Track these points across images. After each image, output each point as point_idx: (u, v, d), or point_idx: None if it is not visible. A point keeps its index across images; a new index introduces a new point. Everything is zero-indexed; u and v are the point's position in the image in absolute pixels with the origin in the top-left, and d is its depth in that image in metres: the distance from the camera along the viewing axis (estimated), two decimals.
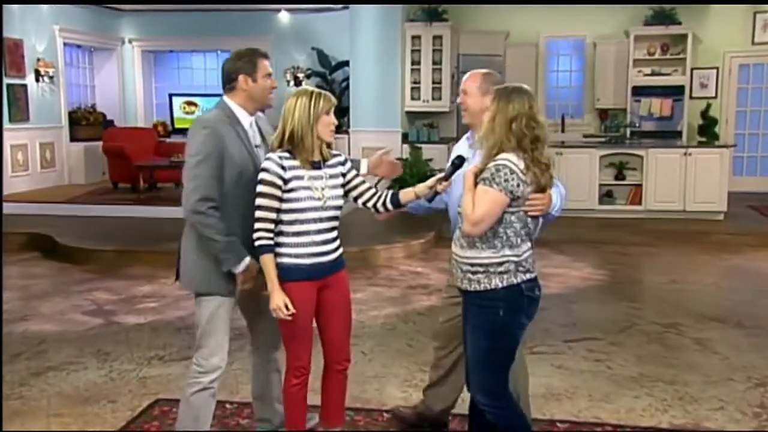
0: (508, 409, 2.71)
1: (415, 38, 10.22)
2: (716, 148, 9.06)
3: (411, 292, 5.93)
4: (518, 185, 2.51)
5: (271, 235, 2.70)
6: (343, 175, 2.85)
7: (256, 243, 2.70)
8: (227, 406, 3.59)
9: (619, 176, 9.05)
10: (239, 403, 3.67)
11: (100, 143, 10.94)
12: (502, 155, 2.55)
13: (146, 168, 10.11)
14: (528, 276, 2.61)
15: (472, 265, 2.60)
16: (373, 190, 2.91)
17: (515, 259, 2.58)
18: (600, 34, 10.99)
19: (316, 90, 2.76)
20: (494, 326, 2.61)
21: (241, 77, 2.83)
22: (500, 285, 2.57)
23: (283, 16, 12.23)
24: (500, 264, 2.57)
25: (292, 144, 2.71)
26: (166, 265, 6.81)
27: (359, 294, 5.63)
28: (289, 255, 2.72)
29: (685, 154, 8.82)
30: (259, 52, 2.89)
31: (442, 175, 2.78)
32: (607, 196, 9.07)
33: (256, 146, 2.91)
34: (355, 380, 3.70)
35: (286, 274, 2.72)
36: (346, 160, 2.89)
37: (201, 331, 2.87)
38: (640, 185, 8.91)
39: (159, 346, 4.63)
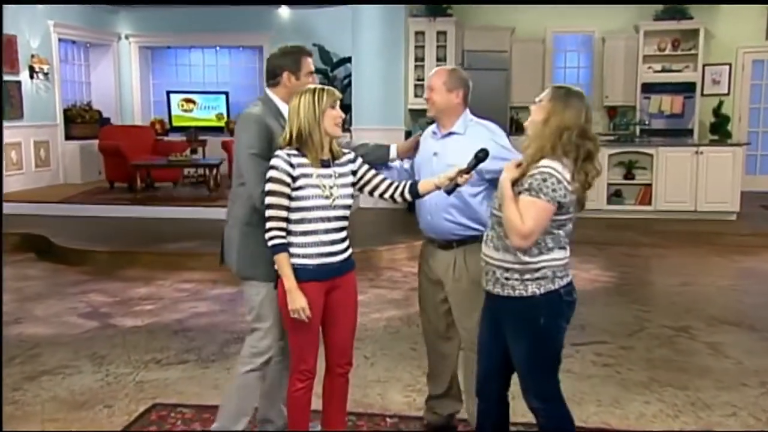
0: (561, 410, 2.74)
1: (419, 34, 10.23)
2: (729, 146, 9.04)
3: (414, 294, 5.80)
4: (564, 195, 2.50)
5: (284, 233, 2.72)
6: (354, 173, 2.87)
7: (270, 243, 2.71)
8: None
9: (629, 175, 9.04)
10: None
11: (96, 142, 10.98)
12: (545, 162, 2.51)
13: (143, 167, 10.14)
14: (565, 280, 2.62)
15: (507, 269, 2.59)
16: (388, 181, 2.95)
17: (553, 264, 2.58)
18: (609, 29, 10.97)
19: (319, 86, 2.79)
20: (537, 333, 2.61)
21: (285, 74, 3.00)
22: (538, 292, 2.56)
23: (283, 12, 12.25)
24: (537, 270, 2.56)
25: (301, 142, 2.73)
26: (164, 266, 6.90)
27: (361, 296, 5.53)
28: (297, 255, 2.73)
29: (696, 152, 8.81)
30: (305, 51, 3.06)
31: (464, 167, 2.79)
32: (615, 195, 9.06)
33: None
34: (357, 384, 3.70)
35: (294, 275, 2.72)
36: (356, 158, 2.90)
37: (254, 315, 3.01)
38: (650, 185, 8.90)
39: (156, 349, 4.64)
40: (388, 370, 4.23)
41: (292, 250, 2.73)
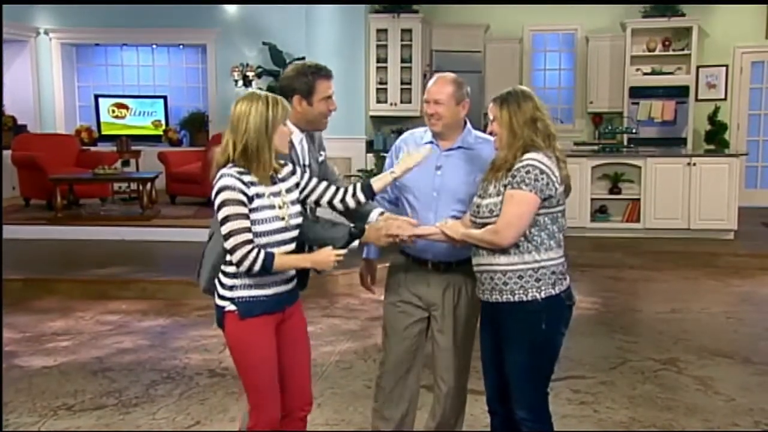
0: (547, 423, 2.97)
1: (381, 32, 10.28)
2: (725, 157, 9.21)
3: (372, 324, 5.90)
4: (548, 185, 2.77)
5: (257, 246, 2.67)
6: (297, 184, 2.88)
7: (256, 264, 2.65)
8: None
9: (615, 189, 9.16)
10: None
11: (8, 152, 10.79)
12: (529, 155, 2.80)
13: (64, 181, 9.98)
14: (565, 284, 2.90)
15: (504, 273, 2.80)
16: (335, 186, 2.97)
17: (551, 263, 2.84)
18: (593, 27, 11.17)
19: (271, 95, 2.76)
20: (538, 339, 2.86)
21: (295, 98, 3.02)
22: (539, 296, 2.81)
23: (230, 7, 12.24)
24: (536, 270, 2.81)
25: (245, 158, 2.69)
26: (86, 295, 6.79)
27: (312, 327, 5.52)
28: (249, 286, 2.73)
29: (689, 164, 8.95)
30: (321, 72, 3.05)
31: (338, 245, 2.85)
32: (600, 212, 9.17)
33: (305, 165, 3.07)
34: None
35: (245, 309, 2.72)
36: (295, 168, 2.91)
37: None
38: (639, 200, 9.01)
39: (69, 393, 4.55)
40: (337, 412, 4.22)
41: (244, 280, 2.73)
